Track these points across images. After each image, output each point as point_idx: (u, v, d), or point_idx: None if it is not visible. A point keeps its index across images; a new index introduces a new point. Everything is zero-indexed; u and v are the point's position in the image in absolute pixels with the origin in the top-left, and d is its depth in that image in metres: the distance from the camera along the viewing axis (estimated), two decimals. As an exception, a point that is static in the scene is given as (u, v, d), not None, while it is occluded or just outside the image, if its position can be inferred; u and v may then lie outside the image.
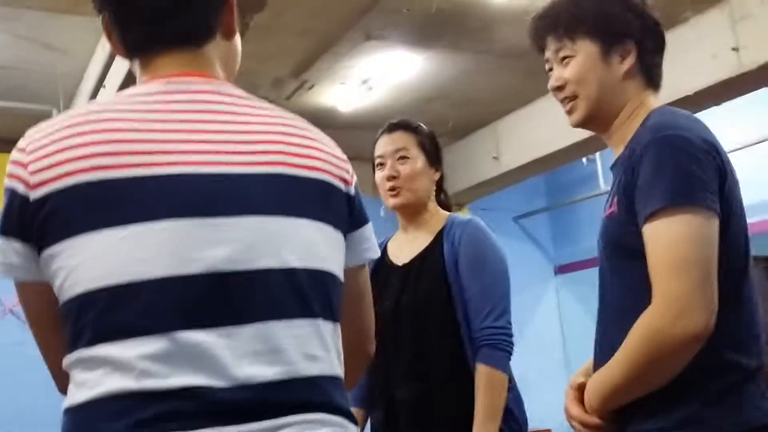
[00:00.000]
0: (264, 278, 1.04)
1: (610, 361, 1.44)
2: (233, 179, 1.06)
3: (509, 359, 2.10)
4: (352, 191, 1.21)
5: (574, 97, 1.60)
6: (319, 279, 1.10)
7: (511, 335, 2.12)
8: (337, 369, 1.11)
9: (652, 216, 1.37)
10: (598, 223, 1.58)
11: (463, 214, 2.35)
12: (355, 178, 1.23)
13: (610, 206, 1.51)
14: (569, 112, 1.64)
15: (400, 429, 2.14)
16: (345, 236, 1.18)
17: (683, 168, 1.36)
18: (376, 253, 1.26)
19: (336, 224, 1.15)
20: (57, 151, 1.03)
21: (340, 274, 1.15)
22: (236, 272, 1.02)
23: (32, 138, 1.07)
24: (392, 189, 2.23)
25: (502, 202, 6.96)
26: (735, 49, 4.31)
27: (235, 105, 1.15)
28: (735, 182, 1.44)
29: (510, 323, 2.13)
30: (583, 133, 5.49)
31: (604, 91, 1.57)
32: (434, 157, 2.30)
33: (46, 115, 1.10)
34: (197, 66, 1.17)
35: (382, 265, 2.30)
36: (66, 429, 1.02)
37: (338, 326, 1.13)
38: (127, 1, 1.16)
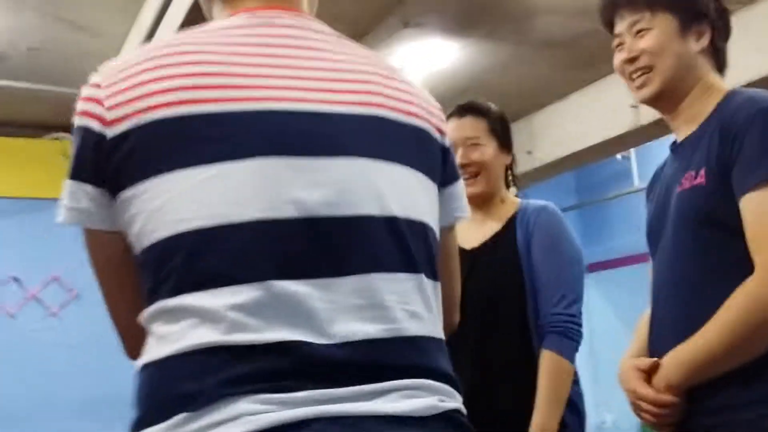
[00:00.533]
0: (364, 225, 0.95)
1: (700, 333, 1.41)
2: (327, 118, 0.97)
3: (577, 349, 2.00)
4: (447, 143, 1.12)
5: (648, 70, 1.58)
6: (421, 232, 1.00)
7: (580, 324, 2.01)
8: (440, 331, 1.01)
9: (759, 185, 1.35)
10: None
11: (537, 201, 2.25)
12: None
13: (695, 178, 1.47)
14: (640, 87, 1.61)
15: None
16: (439, 191, 1.09)
17: None
18: (467, 214, 1.17)
19: (433, 176, 1.06)
20: (136, 85, 0.94)
21: (438, 229, 1.05)
22: (334, 218, 0.93)
23: (108, 72, 0.97)
24: (465, 178, 2.09)
25: (530, 198, 6.75)
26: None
27: (326, 42, 1.06)
28: None
29: (581, 312, 2.02)
30: (620, 129, 5.45)
31: (680, 66, 1.56)
32: (506, 141, 2.22)
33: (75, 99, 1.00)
34: (283, 0, 1.08)
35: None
36: (142, 387, 0.91)
37: (439, 286, 1.04)
38: None
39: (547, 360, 1.95)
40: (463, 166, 2.10)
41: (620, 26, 1.63)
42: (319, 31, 1.07)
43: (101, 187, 0.94)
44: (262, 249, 0.89)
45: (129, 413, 0.91)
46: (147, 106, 0.92)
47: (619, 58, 1.64)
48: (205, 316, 0.87)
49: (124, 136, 0.92)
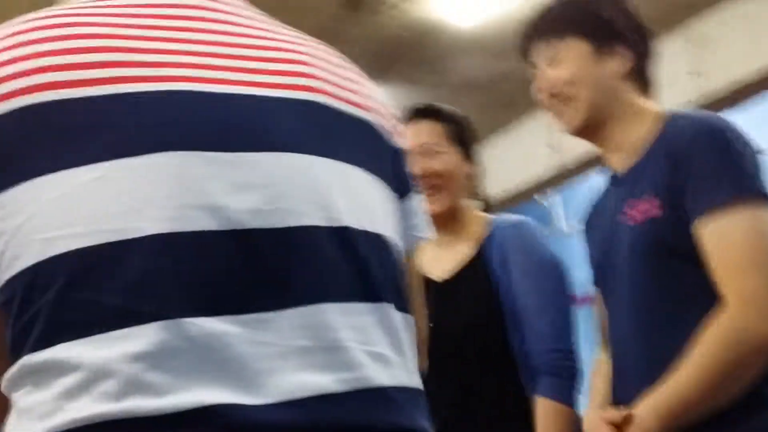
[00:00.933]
0: (307, 239, 0.69)
1: (674, 376, 1.28)
2: (253, 102, 0.73)
3: (574, 388, 1.70)
4: (401, 144, 0.87)
5: (568, 100, 1.48)
6: (383, 248, 0.76)
7: (574, 360, 1.71)
8: (417, 378, 0.76)
9: (713, 210, 1.26)
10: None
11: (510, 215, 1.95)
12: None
13: (649, 210, 1.36)
14: (564, 118, 1.51)
15: None
16: None
17: (743, 159, 1.29)
18: (428, 233, 0.91)
19: (388, 182, 0.82)
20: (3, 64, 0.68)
21: (401, 247, 0.81)
22: (267, 230, 0.68)
23: None
24: (426, 192, 1.76)
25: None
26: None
27: (252, 19, 0.82)
28: None
29: (573, 343, 1.72)
30: (542, 170, 5.41)
31: (601, 91, 1.46)
32: (470, 148, 1.89)
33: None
34: None
35: None
36: None
37: (411, 320, 0.79)
38: None
39: (543, 409, 1.66)
40: (423, 177, 1.72)
41: (535, 58, 1.54)
42: (247, 9, 0.84)
43: None
44: (169, 274, 0.63)
45: None
46: (8, 90, 0.67)
47: (535, 89, 1.54)
48: (89, 376, 0.60)
49: None
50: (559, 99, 1.50)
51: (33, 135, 0.65)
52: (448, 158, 1.83)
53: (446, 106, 1.94)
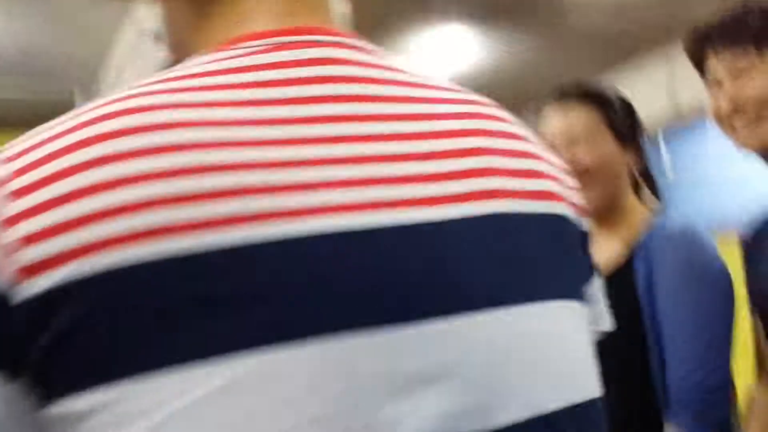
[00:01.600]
0: None
1: None
2: (433, 232, 0.52)
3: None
4: (585, 225, 0.67)
5: (758, 119, 1.33)
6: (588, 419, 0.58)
7: (724, 402, 1.44)
8: None
9: None
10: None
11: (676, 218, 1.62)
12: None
13: None
14: (747, 138, 1.35)
15: None
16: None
17: None
18: (608, 323, 0.75)
19: (581, 291, 0.63)
20: (69, 197, 0.46)
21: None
22: None
23: (17, 166, 0.48)
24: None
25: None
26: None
27: (395, 83, 0.59)
28: None
29: (727, 383, 1.45)
30: (655, 119, 5.23)
31: None
32: (628, 133, 1.63)
33: (64, 103, 0.54)
34: (313, 9, 0.61)
35: None
36: None
37: None
38: None
39: None
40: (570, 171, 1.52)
41: (717, 67, 1.36)
42: (366, 62, 0.59)
43: (15, 378, 0.46)
44: None
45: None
46: (96, 239, 0.45)
47: (718, 103, 1.37)
48: None
49: (46, 300, 0.45)
50: (745, 116, 1.33)
51: (140, 312, 0.45)
52: (601, 149, 1.60)
53: (604, 88, 1.67)
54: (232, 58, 0.54)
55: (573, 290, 0.60)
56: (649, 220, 1.60)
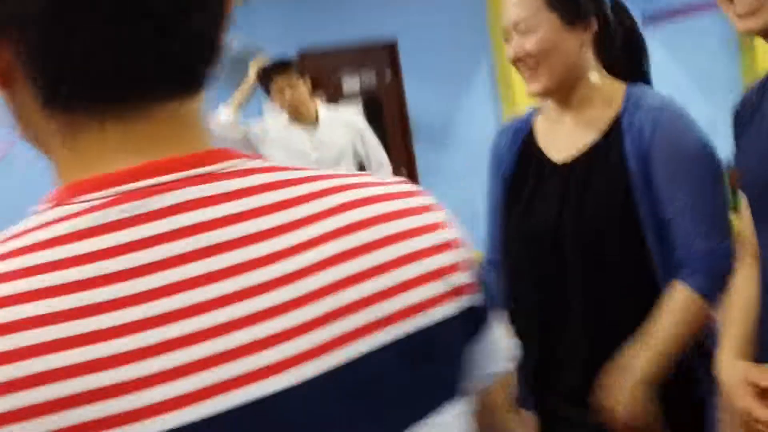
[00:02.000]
0: None
1: None
2: (280, 404, 0.53)
3: (722, 291, 1.46)
4: (466, 301, 0.65)
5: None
6: None
7: (731, 261, 1.46)
8: None
9: None
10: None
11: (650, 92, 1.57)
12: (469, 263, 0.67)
13: None
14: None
15: (560, 383, 1.58)
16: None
17: None
18: (506, 366, 0.75)
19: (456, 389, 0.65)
20: None
21: None
22: None
23: None
24: (527, 71, 1.57)
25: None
26: None
27: (241, 219, 0.56)
28: None
29: (731, 243, 1.47)
30: None
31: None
32: (574, 11, 1.54)
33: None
34: (182, 141, 0.57)
35: (527, 158, 1.63)
36: None
37: None
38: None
39: (679, 295, 1.45)
40: (516, 60, 1.56)
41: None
42: (215, 197, 0.56)
43: None
44: None
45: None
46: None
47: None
48: None
49: None
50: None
51: None
52: (540, 34, 1.54)
53: None
54: (64, 219, 0.52)
55: (430, 404, 0.61)
56: (622, 92, 1.56)
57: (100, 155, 0.55)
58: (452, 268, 0.64)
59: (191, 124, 0.58)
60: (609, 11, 1.56)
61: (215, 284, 0.52)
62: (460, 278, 0.64)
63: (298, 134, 4.07)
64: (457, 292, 0.63)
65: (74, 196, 0.53)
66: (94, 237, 0.51)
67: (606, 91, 1.56)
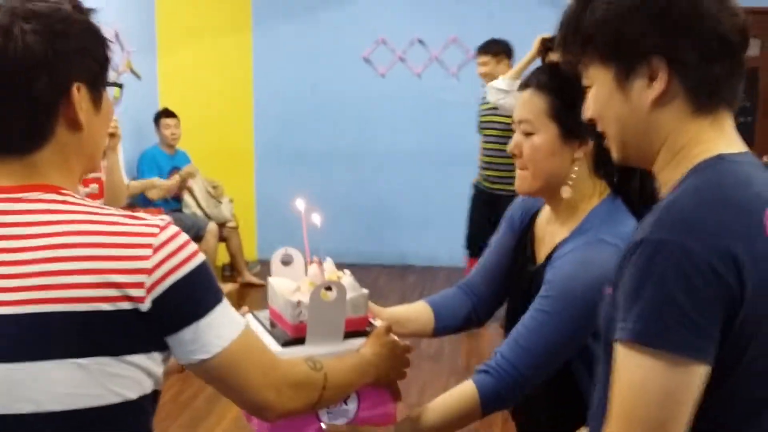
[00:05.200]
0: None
1: None
2: None
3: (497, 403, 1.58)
4: (144, 306, 1.10)
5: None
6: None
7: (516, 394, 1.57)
8: None
9: (618, 341, 1.07)
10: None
11: (603, 219, 1.60)
12: (162, 283, 1.10)
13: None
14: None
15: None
16: (150, 350, 1.13)
17: (663, 295, 1.02)
18: (206, 354, 1.16)
19: (103, 352, 1.09)
20: None
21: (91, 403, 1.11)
22: None
23: None
24: (519, 169, 1.65)
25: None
26: None
27: (21, 225, 1.10)
28: None
29: (525, 385, 1.56)
30: None
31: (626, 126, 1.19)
32: (572, 126, 1.57)
33: None
34: (13, 176, 1.13)
35: (523, 249, 1.76)
36: None
37: None
38: None
39: (467, 390, 1.57)
40: (512, 155, 1.66)
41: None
42: (27, 211, 1.11)
43: None
44: None
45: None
46: None
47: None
48: None
49: None
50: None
51: None
52: (535, 140, 1.61)
53: (560, 73, 1.52)
54: None
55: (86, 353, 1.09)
56: (585, 218, 1.61)
57: None
58: (134, 284, 1.09)
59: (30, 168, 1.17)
60: None
61: None
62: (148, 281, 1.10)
63: None
64: (128, 298, 1.10)
65: None
66: None
67: (578, 208, 1.62)
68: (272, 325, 1.52)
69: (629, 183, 1.60)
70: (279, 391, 1.23)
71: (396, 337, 1.51)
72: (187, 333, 1.12)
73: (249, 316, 1.58)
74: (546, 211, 1.74)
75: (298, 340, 1.44)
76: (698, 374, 1.02)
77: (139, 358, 1.10)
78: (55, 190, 1.12)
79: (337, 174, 6.47)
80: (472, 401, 1.53)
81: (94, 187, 3.14)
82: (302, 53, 6.64)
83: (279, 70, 6.78)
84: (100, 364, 1.08)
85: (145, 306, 1.08)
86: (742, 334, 1.03)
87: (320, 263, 1.53)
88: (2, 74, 1.08)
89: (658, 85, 1.11)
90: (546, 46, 4.09)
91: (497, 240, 1.85)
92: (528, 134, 1.61)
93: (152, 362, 1.12)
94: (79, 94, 1.12)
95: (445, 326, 1.80)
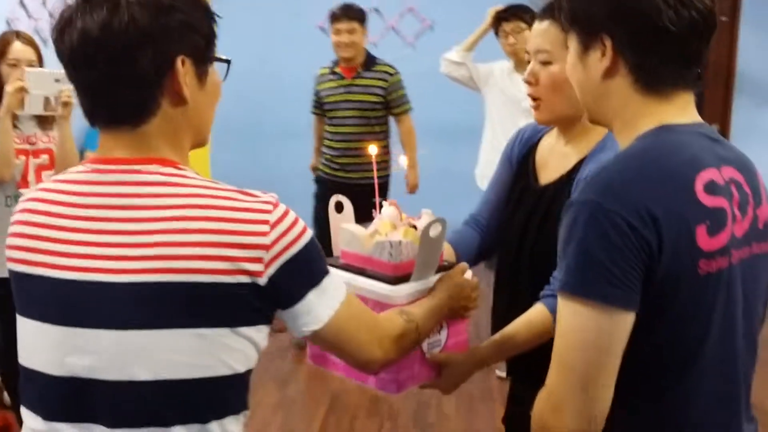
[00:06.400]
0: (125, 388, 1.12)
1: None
2: (95, 288, 1.11)
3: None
4: (262, 280, 1.14)
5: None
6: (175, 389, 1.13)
7: None
8: None
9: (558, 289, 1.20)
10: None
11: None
12: (279, 258, 1.15)
13: None
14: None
15: None
16: (259, 323, 1.18)
17: (584, 249, 1.14)
18: (319, 324, 1.22)
19: (221, 323, 1.13)
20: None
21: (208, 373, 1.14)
22: (97, 380, 1.13)
23: None
24: (532, 98, 1.77)
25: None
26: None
27: (141, 196, 1.13)
28: (693, 255, 1.15)
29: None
30: None
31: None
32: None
33: None
34: (127, 148, 1.16)
35: (523, 170, 1.87)
36: None
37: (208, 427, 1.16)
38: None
39: (537, 312, 1.70)
40: (527, 83, 1.76)
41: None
42: (146, 183, 1.14)
43: None
44: (50, 395, 1.18)
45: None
46: (7, 257, 1.22)
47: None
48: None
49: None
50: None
51: (16, 289, 1.22)
52: (556, 68, 1.69)
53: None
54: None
55: (200, 324, 1.12)
56: (602, 138, 1.73)
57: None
58: (252, 259, 1.13)
59: (140, 140, 1.20)
60: None
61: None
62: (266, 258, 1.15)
63: (518, 82, 4.11)
64: (245, 272, 1.13)
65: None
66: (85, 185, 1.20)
67: (596, 129, 1.68)
68: (355, 268, 1.59)
69: None
70: (383, 346, 1.32)
71: (467, 277, 1.62)
72: (302, 306, 1.18)
73: None
74: (551, 137, 1.85)
75: (402, 278, 1.53)
76: (622, 321, 1.13)
77: (250, 331, 1.15)
78: (173, 164, 1.16)
79: (294, 150, 6.44)
80: (547, 321, 1.63)
81: (44, 158, 3.08)
82: (254, 24, 6.52)
83: (229, 43, 6.62)
84: (217, 335, 1.11)
85: (263, 280, 1.12)
86: (663, 288, 1.14)
87: (396, 205, 1.62)
88: (109, 47, 1.09)
89: (605, 61, 1.24)
90: (499, 17, 4.12)
91: (496, 175, 1.96)
92: (545, 63, 1.71)
93: (261, 335, 1.17)
94: (184, 69, 1.13)
95: (466, 261, 1.81)
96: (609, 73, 1.24)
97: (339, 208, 1.66)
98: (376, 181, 1.74)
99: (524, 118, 4.12)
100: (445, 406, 3.89)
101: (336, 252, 1.67)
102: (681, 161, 1.18)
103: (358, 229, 1.60)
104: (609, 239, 1.12)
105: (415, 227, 1.58)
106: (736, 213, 1.21)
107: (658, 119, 1.23)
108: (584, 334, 1.14)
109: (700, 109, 1.29)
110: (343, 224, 1.62)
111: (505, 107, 4.27)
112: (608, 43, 1.23)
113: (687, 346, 1.19)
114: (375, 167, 1.97)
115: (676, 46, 1.20)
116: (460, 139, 4.96)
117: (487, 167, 4.30)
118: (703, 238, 1.15)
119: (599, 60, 1.24)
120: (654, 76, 1.23)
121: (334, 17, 4.51)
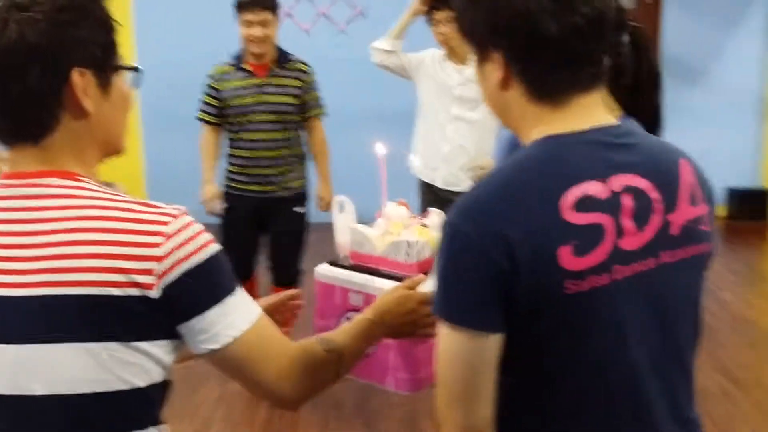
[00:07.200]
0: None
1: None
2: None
3: None
4: (154, 293, 1.11)
5: None
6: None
7: None
8: None
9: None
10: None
11: None
12: (174, 270, 1.12)
13: None
14: None
15: None
16: (157, 338, 1.15)
17: (445, 273, 1.17)
18: (216, 344, 1.18)
19: (112, 338, 1.11)
20: None
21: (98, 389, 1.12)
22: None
23: None
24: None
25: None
26: None
27: (39, 210, 1.13)
28: (549, 272, 1.13)
29: None
30: None
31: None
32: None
33: None
34: (31, 163, 1.16)
35: None
36: None
37: None
38: None
39: None
40: None
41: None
42: (42, 196, 1.14)
43: None
44: None
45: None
46: None
47: None
48: None
49: None
50: None
51: None
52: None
53: None
54: None
55: (92, 339, 1.11)
56: None
57: None
58: (142, 271, 1.11)
59: (43, 154, 1.19)
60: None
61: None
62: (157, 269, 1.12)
63: (449, 70, 4.15)
64: (136, 284, 1.11)
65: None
66: None
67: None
68: (367, 269, 1.57)
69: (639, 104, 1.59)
70: (292, 380, 1.25)
71: (408, 291, 1.49)
72: (198, 322, 1.14)
73: (325, 266, 1.61)
74: None
75: None
76: (487, 342, 1.15)
77: (147, 346, 1.12)
78: (72, 176, 1.16)
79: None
80: None
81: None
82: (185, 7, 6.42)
83: (164, 32, 6.55)
84: (108, 350, 1.10)
85: (155, 293, 1.10)
86: (527, 307, 1.14)
87: (407, 204, 1.61)
88: None
89: (498, 73, 1.23)
90: (431, 5, 4.11)
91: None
92: None
93: (161, 350, 1.13)
94: (83, 80, 1.11)
95: None
96: (504, 85, 1.24)
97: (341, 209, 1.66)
98: (384, 180, 1.67)
99: (456, 105, 4.14)
100: (390, 393, 3.88)
101: (340, 253, 1.65)
102: (550, 177, 1.16)
103: (368, 229, 1.58)
104: (463, 263, 1.14)
105: (426, 226, 1.58)
106: (625, 226, 1.17)
107: (546, 130, 1.22)
108: (453, 354, 1.17)
109: (635, 98, 1.30)
110: (351, 225, 1.61)
111: (437, 96, 4.24)
112: (496, 55, 1.22)
113: (559, 362, 1.20)
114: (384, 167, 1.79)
115: (559, 53, 1.19)
116: (394, 125, 4.95)
117: (426, 160, 4.34)
118: (568, 258, 1.12)
119: (493, 71, 1.24)
120: (542, 84, 1.22)
121: (242, 5, 3.87)
